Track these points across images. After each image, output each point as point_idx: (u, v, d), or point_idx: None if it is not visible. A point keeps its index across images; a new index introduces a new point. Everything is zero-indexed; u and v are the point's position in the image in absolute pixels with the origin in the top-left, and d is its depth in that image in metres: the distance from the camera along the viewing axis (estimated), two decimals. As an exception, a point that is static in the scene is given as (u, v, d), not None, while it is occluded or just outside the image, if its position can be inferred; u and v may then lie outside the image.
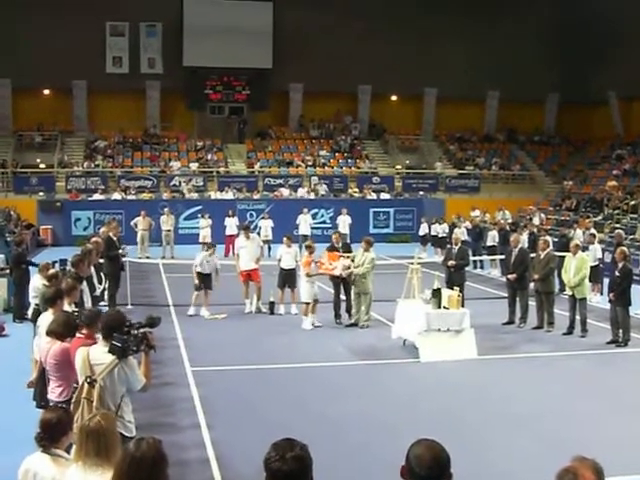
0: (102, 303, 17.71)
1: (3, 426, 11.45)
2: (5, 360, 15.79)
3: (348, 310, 20.23)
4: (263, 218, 35.53)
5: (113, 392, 7.61)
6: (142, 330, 7.93)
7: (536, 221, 35.15)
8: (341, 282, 20.21)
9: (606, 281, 20.34)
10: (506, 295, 20.76)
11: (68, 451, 6.09)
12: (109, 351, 7.62)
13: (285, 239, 21.75)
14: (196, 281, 20.98)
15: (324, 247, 21.13)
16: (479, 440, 11.33)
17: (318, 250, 20.51)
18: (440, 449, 4.23)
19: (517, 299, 19.97)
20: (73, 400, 7.77)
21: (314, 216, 39.10)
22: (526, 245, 24.33)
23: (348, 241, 21.78)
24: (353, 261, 19.63)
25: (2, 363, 15.60)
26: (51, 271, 14.02)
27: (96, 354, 7.73)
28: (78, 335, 8.75)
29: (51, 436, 5.87)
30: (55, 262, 17.71)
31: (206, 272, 20.91)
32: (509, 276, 20.18)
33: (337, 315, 20.33)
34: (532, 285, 20.08)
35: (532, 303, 19.86)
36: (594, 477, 3.94)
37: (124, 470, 4.68)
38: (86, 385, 7.59)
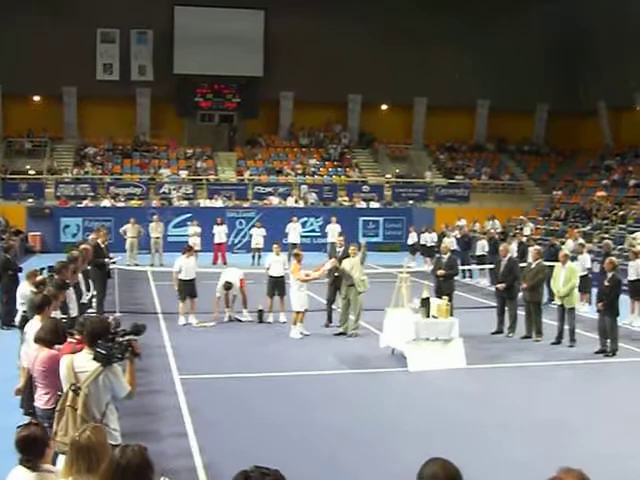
0: (90, 310, 17.68)
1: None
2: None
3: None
4: (256, 227, 35.47)
5: (98, 400, 7.57)
6: (127, 338, 7.94)
7: (527, 231, 35.18)
8: (336, 287, 20.39)
9: (594, 291, 20.41)
10: (495, 304, 20.79)
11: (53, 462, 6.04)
12: (94, 358, 7.59)
13: (274, 247, 21.76)
14: (175, 287, 20.98)
15: (313, 255, 21.18)
16: (467, 449, 11.30)
17: (306, 259, 20.55)
18: (455, 469, 4.22)
19: (506, 308, 20.00)
20: (57, 408, 7.72)
21: (303, 225, 39.05)
22: (515, 255, 24.38)
23: (338, 250, 21.78)
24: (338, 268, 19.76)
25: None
26: (39, 278, 13.97)
27: (80, 362, 7.69)
28: (70, 340, 8.73)
29: (34, 453, 5.79)
30: (43, 269, 17.62)
31: (188, 278, 20.84)
32: (498, 285, 20.23)
33: (330, 318, 20.61)
34: (521, 294, 20.15)
35: (521, 313, 19.90)
36: (579, 487, 3.93)
37: (109, 477, 4.64)
38: (71, 393, 7.55)
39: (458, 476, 4.19)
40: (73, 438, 5.48)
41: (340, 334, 19.50)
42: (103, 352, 7.55)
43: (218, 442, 11.50)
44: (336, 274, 20.14)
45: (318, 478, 10.01)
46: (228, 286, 20.92)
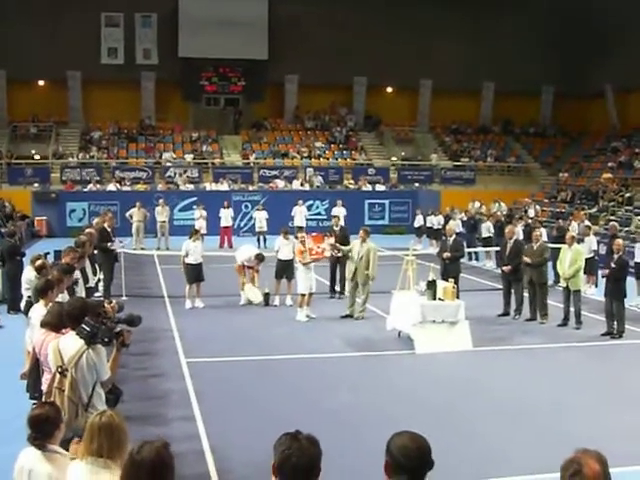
0: (97, 294, 17.70)
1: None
2: (-1, 351, 15.76)
3: (341, 287, 21.73)
4: (257, 210, 35.53)
5: (84, 381, 7.56)
6: (120, 326, 7.96)
7: (531, 213, 35.15)
8: (337, 261, 21.32)
9: (600, 273, 20.37)
10: (501, 287, 20.75)
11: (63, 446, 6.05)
12: (77, 334, 7.58)
13: (282, 233, 21.65)
14: (183, 270, 20.97)
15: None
16: (474, 431, 11.33)
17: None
18: (422, 438, 4.24)
19: (512, 291, 19.97)
20: (45, 390, 7.75)
21: (309, 208, 39.10)
22: (521, 237, 24.33)
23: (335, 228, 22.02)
24: (348, 254, 19.76)
25: (-4, 354, 15.57)
26: (38, 262, 13.93)
27: (66, 343, 7.69)
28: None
29: (43, 433, 5.80)
30: (47, 253, 17.64)
31: (197, 262, 20.83)
32: (504, 268, 20.16)
33: (332, 290, 21.62)
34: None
35: (525, 294, 19.87)
36: (598, 467, 3.94)
37: (124, 472, 4.63)
38: (58, 375, 7.57)
39: (425, 444, 4.21)
40: (94, 418, 5.46)
41: (347, 316, 19.51)
42: (87, 329, 7.53)
43: (225, 425, 11.52)
44: (339, 254, 20.36)
45: (326, 461, 10.02)
46: (262, 257, 21.08)
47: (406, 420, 11.09)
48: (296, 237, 20.49)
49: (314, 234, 20.72)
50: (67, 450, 5.70)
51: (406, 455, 4.14)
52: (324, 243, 19.85)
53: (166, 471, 4.59)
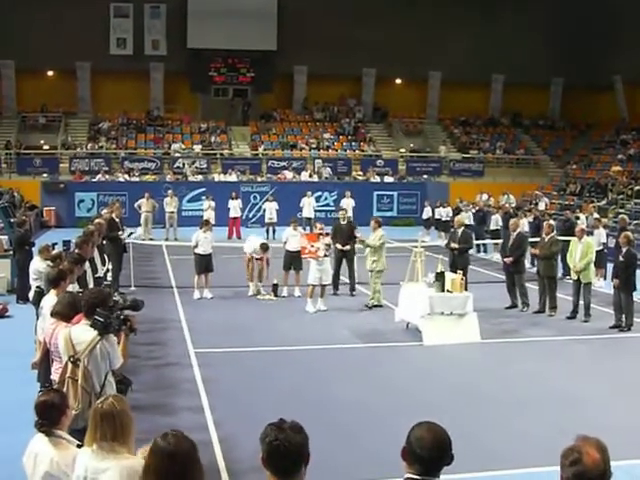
0: (105, 284, 17.71)
1: (7, 407, 11.46)
2: (8, 341, 15.81)
3: (351, 283, 21.48)
4: (268, 200, 35.55)
5: (97, 370, 7.60)
6: (125, 313, 7.99)
7: (542, 206, 35.08)
8: (343, 256, 21.15)
9: (610, 266, 20.33)
10: (509, 279, 20.76)
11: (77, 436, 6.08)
12: (91, 326, 7.61)
13: (292, 224, 21.68)
14: (195, 262, 20.99)
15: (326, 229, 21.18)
16: (481, 422, 11.33)
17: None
18: (442, 431, 4.30)
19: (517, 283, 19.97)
20: (57, 380, 7.77)
21: (318, 199, 39.07)
22: (526, 229, 24.29)
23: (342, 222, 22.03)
24: (362, 242, 19.96)
25: (5, 344, 15.61)
26: (54, 252, 13.96)
27: (78, 333, 7.72)
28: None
29: (50, 419, 5.85)
30: (55, 244, 17.67)
31: (206, 253, 20.85)
32: (505, 259, 20.11)
33: (336, 287, 21.26)
34: (534, 270, 20.11)
35: (533, 287, 19.84)
36: (598, 455, 3.95)
37: (152, 462, 4.59)
38: (70, 365, 7.59)
39: (445, 438, 4.28)
40: (96, 406, 5.51)
41: (376, 306, 19.66)
42: (101, 320, 7.57)
43: (233, 415, 11.55)
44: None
45: (334, 451, 10.04)
46: (266, 247, 21.02)
47: (412, 411, 11.11)
48: (315, 228, 20.71)
49: (309, 232, 20.63)
50: (82, 440, 5.72)
51: (421, 446, 4.21)
52: (319, 242, 19.66)
53: (197, 462, 4.63)
